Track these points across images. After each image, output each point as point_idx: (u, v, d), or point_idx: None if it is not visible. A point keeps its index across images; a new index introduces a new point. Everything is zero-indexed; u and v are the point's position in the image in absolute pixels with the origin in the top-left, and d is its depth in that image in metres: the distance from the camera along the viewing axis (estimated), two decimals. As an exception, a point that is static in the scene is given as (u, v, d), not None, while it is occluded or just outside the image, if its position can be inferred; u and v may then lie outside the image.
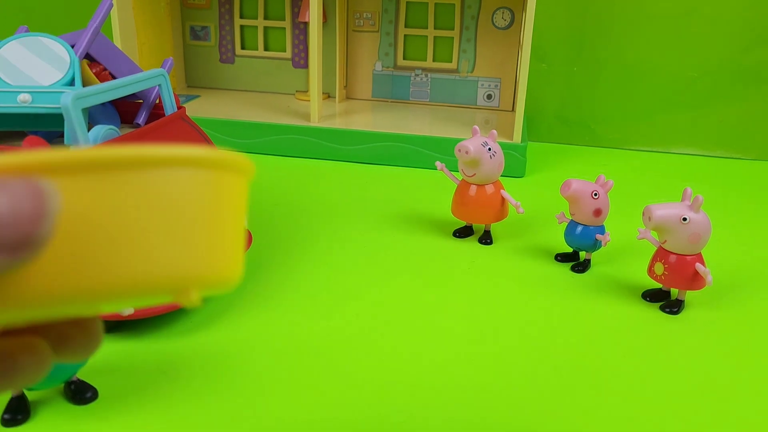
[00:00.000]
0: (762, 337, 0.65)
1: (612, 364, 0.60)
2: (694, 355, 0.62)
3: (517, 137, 1.10)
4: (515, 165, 1.10)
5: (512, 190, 0.90)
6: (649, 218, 0.65)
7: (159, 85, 0.67)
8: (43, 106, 0.56)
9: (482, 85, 1.33)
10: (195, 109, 1.24)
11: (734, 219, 0.96)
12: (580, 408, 0.54)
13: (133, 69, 0.69)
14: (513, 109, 1.32)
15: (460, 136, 1.12)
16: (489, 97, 1.33)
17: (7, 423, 0.49)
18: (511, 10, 1.27)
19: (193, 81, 1.43)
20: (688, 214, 0.65)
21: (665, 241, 0.67)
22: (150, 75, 0.64)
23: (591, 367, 0.60)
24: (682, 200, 0.67)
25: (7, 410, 0.50)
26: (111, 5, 0.64)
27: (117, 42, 1.15)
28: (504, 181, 0.87)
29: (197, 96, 1.35)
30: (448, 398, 0.55)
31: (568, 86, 1.31)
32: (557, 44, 1.29)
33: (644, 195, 1.03)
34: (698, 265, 0.66)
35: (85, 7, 1.38)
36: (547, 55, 1.29)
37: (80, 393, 0.52)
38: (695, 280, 0.67)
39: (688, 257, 0.67)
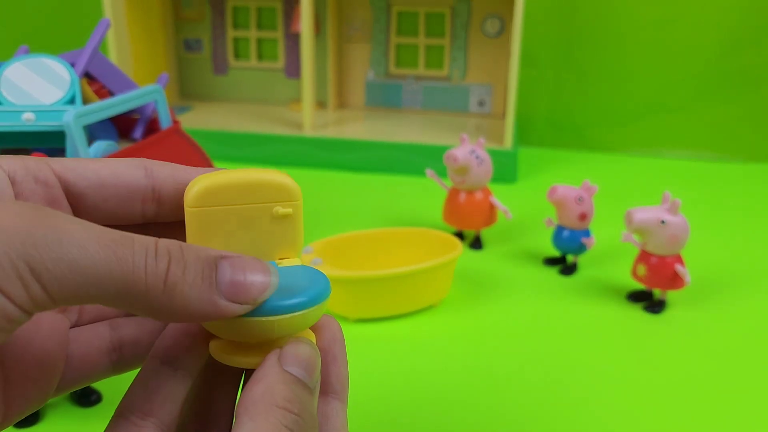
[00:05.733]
0: (739, 335, 0.68)
1: (598, 361, 0.63)
2: (675, 352, 0.64)
3: (508, 143, 1.13)
4: (506, 170, 1.12)
5: (503, 196, 0.93)
6: (630, 221, 0.68)
7: (155, 101, 0.69)
8: (46, 124, 0.59)
9: (474, 91, 1.35)
10: (189, 121, 1.26)
11: (721, 220, 0.98)
12: (568, 405, 0.56)
13: (130, 85, 0.71)
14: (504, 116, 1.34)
15: (452, 143, 1.14)
16: (481, 103, 1.36)
17: (18, 424, 0.52)
18: (500, 18, 1.30)
19: (187, 92, 1.46)
20: (666, 217, 0.67)
21: (646, 243, 0.70)
22: (146, 91, 0.67)
23: (577, 365, 0.62)
24: (662, 203, 0.69)
25: (16, 414, 0.52)
26: (108, 25, 0.67)
27: (112, 55, 1.18)
28: (495, 186, 0.89)
29: (190, 108, 1.38)
30: (437, 399, 0.57)
31: (559, 92, 1.34)
32: (547, 51, 1.31)
33: (633, 199, 1.05)
34: (677, 266, 0.69)
35: (80, 24, 1.40)
36: (537, 61, 1.32)
37: (85, 396, 0.54)
38: (675, 281, 0.69)
39: (668, 258, 0.69)
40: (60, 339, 0.26)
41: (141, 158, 0.27)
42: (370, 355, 0.63)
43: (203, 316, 0.22)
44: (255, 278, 0.23)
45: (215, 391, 0.29)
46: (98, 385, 0.56)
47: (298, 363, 0.24)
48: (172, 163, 0.27)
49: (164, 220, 0.27)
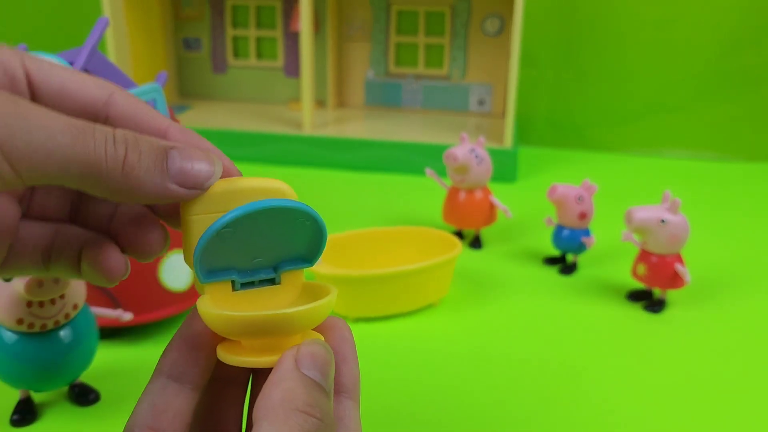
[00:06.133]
0: (739, 334, 0.68)
1: (597, 360, 0.62)
2: (675, 352, 0.64)
3: (508, 142, 1.12)
4: (506, 170, 1.12)
5: (503, 195, 0.92)
6: (630, 220, 0.68)
7: (154, 99, 0.69)
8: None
9: (474, 91, 1.35)
10: (188, 120, 1.26)
11: (721, 220, 0.98)
12: (567, 404, 0.56)
13: (129, 84, 0.71)
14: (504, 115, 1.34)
15: (452, 142, 1.13)
16: (481, 102, 1.35)
17: (16, 423, 0.51)
18: (500, 17, 1.30)
19: (187, 91, 1.46)
20: (667, 216, 0.67)
21: (646, 242, 0.69)
22: (145, 90, 0.67)
23: (577, 364, 0.62)
24: (662, 203, 0.69)
25: (15, 411, 0.52)
26: (107, 24, 0.66)
27: (111, 54, 1.17)
28: (495, 185, 0.89)
29: (189, 107, 1.37)
30: (437, 397, 0.57)
31: (559, 91, 1.34)
32: (547, 50, 1.31)
33: (633, 198, 1.05)
34: (677, 265, 0.68)
35: (79, 23, 1.40)
36: (537, 61, 1.31)
37: (83, 395, 0.54)
38: (675, 280, 0.69)
39: (667, 258, 0.69)
40: (8, 225, 0.26)
41: (114, 85, 0.27)
42: (370, 354, 0.63)
43: (155, 197, 0.24)
44: (200, 167, 0.25)
45: (221, 401, 0.29)
46: (97, 385, 0.55)
47: (314, 366, 0.24)
48: (142, 103, 0.27)
49: None
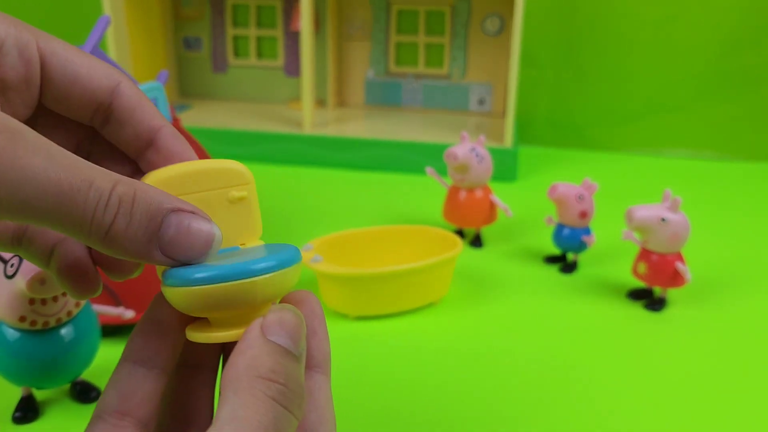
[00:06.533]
0: (739, 333, 0.68)
1: (598, 359, 0.62)
2: (675, 351, 0.64)
3: (508, 141, 1.12)
4: (506, 169, 1.12)
5: (504, 194, 0.92)
6: (631, 219, 0.68)
7: (155, 98, 0.69)
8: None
9: (474, 90, 1.35)
10: (189, 119, 1.26)
11: (722, 219, 0.98)
12: (567, 403, 0.56)
13: (131, 82, 0.71)
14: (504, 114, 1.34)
15: (453, 141, 1.14)
16: (481, 102, 1.35)
17: (19, 420, 0.51)
18: (500, 17, 1.30)
19: (187, 91, 1.46)
20: (667, 215, 0.67)
21: (647, 240, 0.70)
22: (147, 88, 0.67)
23: (577, 363, 0.62)
24: (663, 201, 0.69)
25: (18, 409, 0.52)
26: (108, 22, 0.66)
27: (111, 53, 1.17)
28: (495, 185, 0.89)
29: (190, 106, 1.38)
30: (437, 396, 0.57)
31: (559, 91, 1.34)
32: (547, 50, 1.31)
33: (634, 197, 1.05)
34: (678, 264, 0.69)
35: (79, 22, 1.40)
36: (537, 60, 1.31)
37: (85, 393, 0.54)
38: (676, 278, 0.69)
39: (668, 256, 0.69)
40: None
41: (121, 74, 0.27)
42: (370, 353, 0.63)
43: (137, 259, 0.23)
44: (196, 241, 0.24)
45: (191, 386, 0.29)
46: (98, 383, 0.55)
47: (282, 331, 0.23)
48: (145, 98, 0.27)
49: (106, 136, 0.27)
